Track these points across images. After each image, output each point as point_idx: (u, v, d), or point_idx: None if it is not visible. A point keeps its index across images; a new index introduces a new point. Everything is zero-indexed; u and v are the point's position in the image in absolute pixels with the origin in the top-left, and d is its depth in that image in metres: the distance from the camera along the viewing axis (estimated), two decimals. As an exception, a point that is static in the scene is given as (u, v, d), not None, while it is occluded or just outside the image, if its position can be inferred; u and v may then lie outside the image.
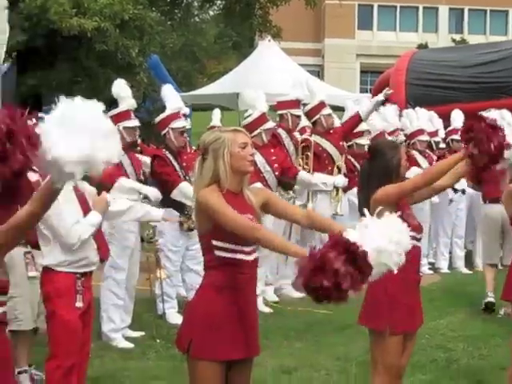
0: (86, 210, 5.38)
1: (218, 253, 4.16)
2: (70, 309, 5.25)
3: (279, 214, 4.39)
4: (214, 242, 4.15)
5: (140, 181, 8.08)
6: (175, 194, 8.36)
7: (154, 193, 7.94)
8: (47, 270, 5.35)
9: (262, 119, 9.19)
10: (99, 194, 5.51)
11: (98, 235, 5.52)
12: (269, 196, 4.38)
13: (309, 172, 9.85)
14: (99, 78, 15.21)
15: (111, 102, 7.90)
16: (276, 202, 4.36)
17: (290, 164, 9.58)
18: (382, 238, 3.55)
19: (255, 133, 9.01)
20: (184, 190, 8.23)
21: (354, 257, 3.39)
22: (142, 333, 8.11)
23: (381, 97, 10.24)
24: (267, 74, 18.59)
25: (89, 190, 5.54)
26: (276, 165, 9.32)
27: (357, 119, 10.29)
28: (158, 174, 8.51)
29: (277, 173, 9.32)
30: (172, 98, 8.82)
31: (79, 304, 5.28)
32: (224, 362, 4.16)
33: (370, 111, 10.25)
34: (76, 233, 5.25)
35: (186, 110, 9.97)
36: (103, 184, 5.66)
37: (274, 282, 9.89)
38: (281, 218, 4.51)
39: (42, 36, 15.17)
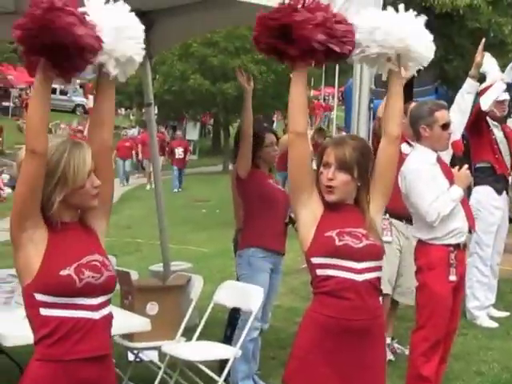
0: (451, 179, 5.35)
1: None
2: (442, 282, 5.22)
3: None
4: None
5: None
6: None
7: None
8: (421, 243, 5.39)
9: None
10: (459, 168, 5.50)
11: (464, 204, 5.47)
12: None
13: None
14: (471, 55, 15.05)
15: (481, 79, 7.84)
16: None
17: None
18: None
19: None
20: None
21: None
22: (507, 313, 8.00)
23: None
24: None
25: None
26: None
27: None
28: None
29: None
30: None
31: (452, 277, 5.23)
32: None
33: None
34: (435, 210, 5.23)
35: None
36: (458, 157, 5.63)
37: None
38: None
39: (417, 14, 15.30)
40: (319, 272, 3.50)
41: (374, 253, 3.55)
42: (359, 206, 3.61)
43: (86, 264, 3.00)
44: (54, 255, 2.96)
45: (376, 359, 3.58)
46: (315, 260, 3.51)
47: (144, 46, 3.04)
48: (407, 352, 6.62)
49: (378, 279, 3.60)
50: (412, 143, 6.35)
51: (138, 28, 3.02)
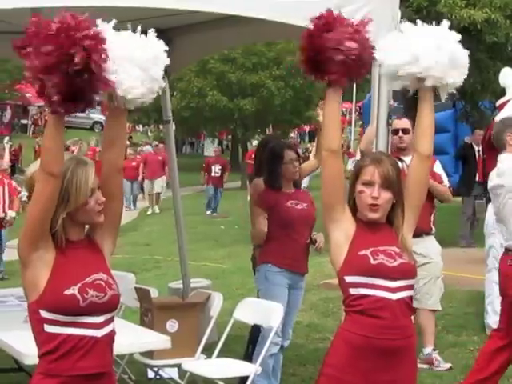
0: None
1: None
2: None
3: None
4: None
5: None
6: None
7: None
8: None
9: None
10: None
11: None
12: None
13: None
14: (489, 70, 15.04)
15: (501, 95, 7.81)
16: None
17: None
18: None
19: None
20: None
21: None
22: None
23: None
24: None
25: None
26: None
27: None
28: None
29: None
30: None
31: None
32: None
33: None
34: None
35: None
36: None
37: None
38: None
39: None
40: (352, 291, 3.47)
41: (408, 271, 3.52)
42: (392, 223, 3.57)
43: (91, 283, 3.05)
44: (60, 274, 3.02)
45: (407, 378, 3.55)
46: (348, 279, 3.48)
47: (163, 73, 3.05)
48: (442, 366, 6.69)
49: (411, 298, 3.56)
50: (403, 158, 6.27)
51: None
